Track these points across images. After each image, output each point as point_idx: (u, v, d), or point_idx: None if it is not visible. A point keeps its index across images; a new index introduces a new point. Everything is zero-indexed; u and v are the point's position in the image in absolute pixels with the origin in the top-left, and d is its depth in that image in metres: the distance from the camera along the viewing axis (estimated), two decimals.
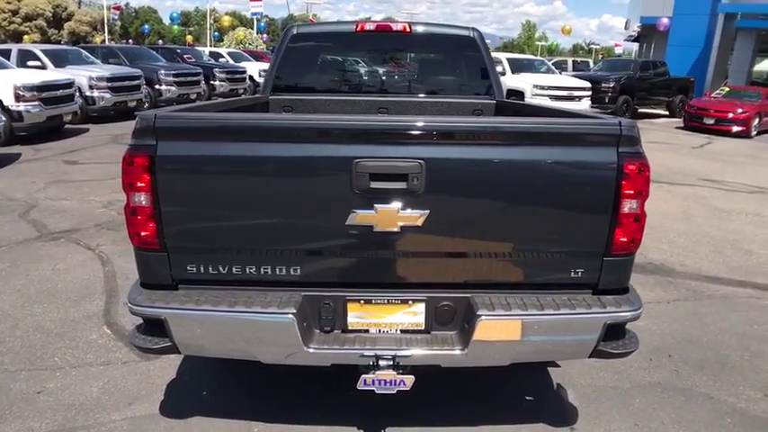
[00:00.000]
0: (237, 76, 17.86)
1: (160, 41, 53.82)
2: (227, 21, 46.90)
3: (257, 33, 40.14)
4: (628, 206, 2.08)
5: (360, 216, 2.01)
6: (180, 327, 2.07)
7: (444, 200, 2.03)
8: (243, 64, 19.80)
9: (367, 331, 2.22)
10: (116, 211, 5.61)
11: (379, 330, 2.22)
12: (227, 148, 2.02)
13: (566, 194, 2.09)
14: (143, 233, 2.05)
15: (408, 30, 4.01)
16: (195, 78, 15.20)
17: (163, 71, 14.41)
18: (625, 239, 2.13)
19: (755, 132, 15.05)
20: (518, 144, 2.07)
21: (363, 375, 2.11)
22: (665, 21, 25.86)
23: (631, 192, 2.06)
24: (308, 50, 4.10)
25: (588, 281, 2.20)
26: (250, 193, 2.06)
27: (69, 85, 10.43)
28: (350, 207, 2.00)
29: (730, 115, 14.92)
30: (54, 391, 2.78)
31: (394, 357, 2.11)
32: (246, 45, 34.31)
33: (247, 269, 2.12)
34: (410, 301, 2.19)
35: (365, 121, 2.26)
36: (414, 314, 2.21)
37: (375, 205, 1.99)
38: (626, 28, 38.42)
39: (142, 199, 2.01)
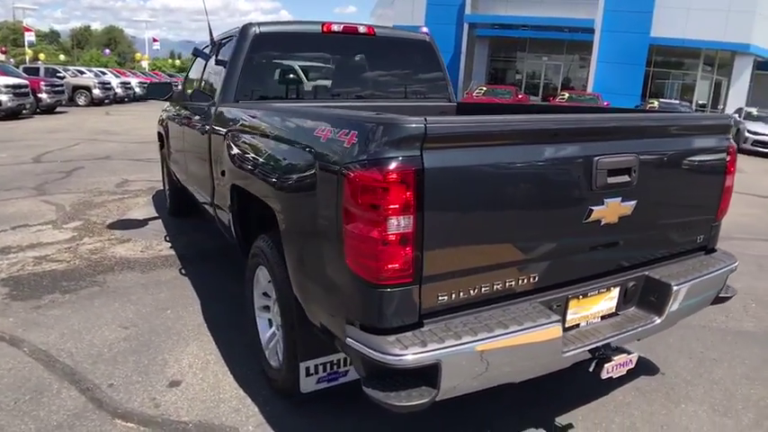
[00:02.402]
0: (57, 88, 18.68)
1: None
2: None
3: None
4: (729, 180, 2.52)
5: (596, 212, 2.03)
6: (452, 367, 1.73)
7: (645, 189, 2.17)
8: None
9: (578, 325, 2.21)
10: None
11: (587, 322, 2.24)
12: (490, 155, 1.80)
13: (703, 174, 2.48)
14: (395, 265, 1.66)
15: (373, 32, 3.93)
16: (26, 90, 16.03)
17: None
18: (725, 207, 2.58)
19: None
20: (685, 135, 2.39)
21: (606, 365, 2.14)
22: (425, 30, 29.21)
23: (732, 169, 2.52)
24: (273, 53, 3.68)
25: (703, 244, 2.62)
26: (507, 201, 1.88)
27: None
28: (588, 204, 2.01)
29: None
30: None
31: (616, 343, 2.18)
32: None
33: (494, 285, 1.91)
34: (611, 288, 2.26)
35: (604, 119, 2.27)
36: (611, 299, 2.29)
37: (605, 200, 2.04)
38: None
39: (402, 223, 1.64)
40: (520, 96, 23.67)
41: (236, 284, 4.05)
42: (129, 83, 25.61)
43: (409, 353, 1.64)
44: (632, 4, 25.03)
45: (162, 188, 7.15)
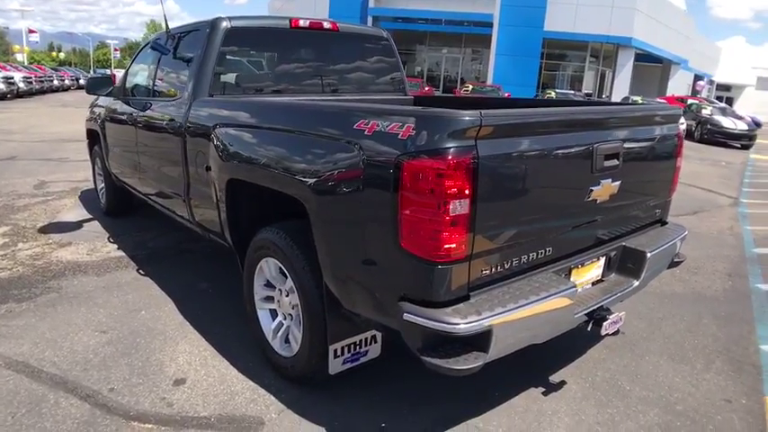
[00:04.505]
0: None
1: None
2: None
3: None
4: (679, 162, 2.94)
5: (594, 192, 2.32)
6: (501, 332, 1.91)
7: (626, 170, 2.48)
8: None
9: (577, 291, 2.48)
10: None
11: (582, 288, 2.51)
12: (525, 144, 2.01)
13: (663, 157, 2.85)
14: (452, 245, 1.82)
15: (337, 28, 4.00)
16: None
17: None
18: (675, 185, 3.01)
19: None
20: (652, 124, 2.74)
21: (604, 323, 2.41)
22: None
23: (681, 152, 2.96)
24: (245, 47, 3.63)
25: (660, 217, 3.03)
26: (536, 184, 2.09)
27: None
28: (589, 185, 2.29)
29: None
30: None
31: (606, 305, 2.47)
32: None
33: (521, 259, 2.13)
34: (599, 257, 2.56)
35: (604, 111, 2.54)
36: (599, 268, 2.59)
37: (601, 181, 2.33)
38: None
39: (460, 206, 1.80)
40: (426, 89, 24.39)
41: (203, 280, 3.99)
42: (13, 78, 23.12)
43: (469, 321, 1.81)
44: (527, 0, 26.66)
45: (88, 188, 6.74)
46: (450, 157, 1.76)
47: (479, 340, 1.88)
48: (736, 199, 8.70)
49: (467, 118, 1.78)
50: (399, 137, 1.86)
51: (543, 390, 2.74)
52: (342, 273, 2.17)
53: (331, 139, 2.18)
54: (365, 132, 2.00)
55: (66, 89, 32.27)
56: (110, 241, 4.86)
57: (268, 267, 2.66)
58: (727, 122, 17.71)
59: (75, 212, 5.76)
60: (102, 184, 5.66)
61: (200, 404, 2.49)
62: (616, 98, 25.84)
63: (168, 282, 3.94)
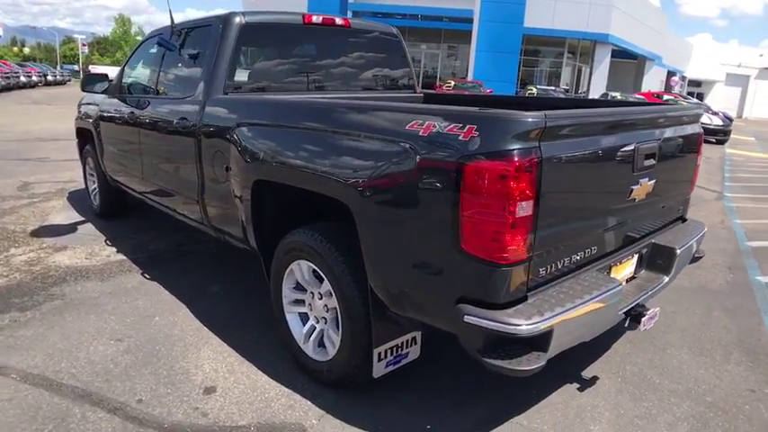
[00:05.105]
0: None
1: None
2: None
3: None
4: (699, 159, 2.98)
5: (635, 191, 2.33)
6: (560, 331, 1.90)
7: (659, 169, 2.49)
8: None
9: None
10: None
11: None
12: (582, 144, 2.00)
13: (687, 155, 2.89)
14: (515, 246, 1.80)
15: (349, 24, 3.94)
16: None
17: None
18: (695, 182, 3.08)
19: None
20: (680, 124, 2.75)
21: (642, 319, 2.40)
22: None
23: (701, 150, 3.01)
24: (260, 43, 3.54)
25: (681, 214, 3.07)
26: (588, 184, 2.10)
27: None
28: (630, 184, 2.30)
29: None
30: None
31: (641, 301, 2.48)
32: None
33: (572, 258, 2.12)
34: (633, 255, 2.57)
35: (648, 111, 2.57)
36: (632, 265, 2.60)
37: (640, 180, 2.35)
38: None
39: (524, 208, 1.77)
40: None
41: (212, 283, 3.89)
42: None
43: (532, 322, 1.80)
44: None
45: (76, 189, 6.54)
46: (515, 159, 1.73)
47: (540, 340, 1.87)
48: (720, 193, 8.90)
49: (531, 119, 1.76)
50: (461, 138, 1.82)
51: (578, 386, 2.74)
52: (391, 275, 2.12)
53: (380, 139, 2.11)
54: (419, 133, 1.94)
55: (34, 86, 31.30)
56: (107, 244, 4.70)
57: (300, 270, 2.59)
58: (703, 118, 18.10)
59: (66, 214, 5.57)
60: (95, 185, 5.48)
61: (236, 413, 2.41)
62: (594, 94, 26.22)
63: (176, 285, 3.83)
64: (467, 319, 1.82)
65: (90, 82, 4.52)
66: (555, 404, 2.58)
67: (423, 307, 2.09)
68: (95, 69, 16.96)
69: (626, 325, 2.46)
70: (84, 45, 67.39)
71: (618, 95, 18.99)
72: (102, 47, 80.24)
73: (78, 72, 63.56)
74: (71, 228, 5.14)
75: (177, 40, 3.68)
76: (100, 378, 2.66)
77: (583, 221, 2.15)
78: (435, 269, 1.96)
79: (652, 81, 36.10)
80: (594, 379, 2.81)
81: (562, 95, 22.19)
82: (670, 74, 40.27)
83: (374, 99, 3.73)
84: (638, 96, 20.49)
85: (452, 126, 1.86)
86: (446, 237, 1.85)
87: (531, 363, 1.86)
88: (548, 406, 2.56)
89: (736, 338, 3.44)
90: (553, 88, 25.70)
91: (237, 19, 3.25)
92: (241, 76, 3.41)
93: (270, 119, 2.76)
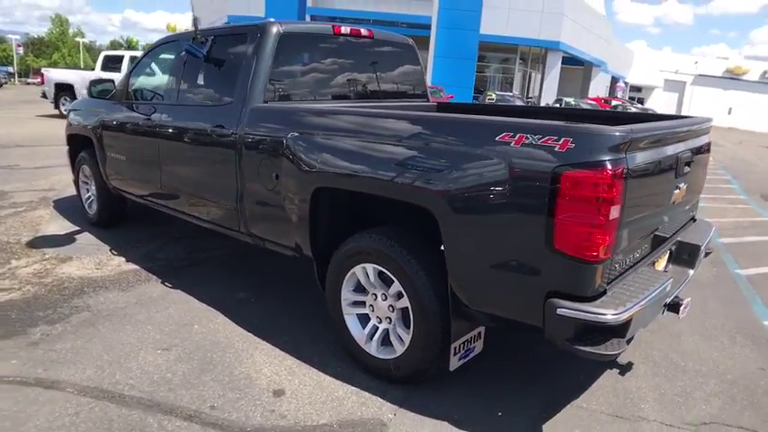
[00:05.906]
0: None
1: None
2: None
3: None
4: (709, 164, 3.28)
5: (675, 195, 2.61)
6: (637, 319, 2.11)
7: (690, 175, 2.76)
8: None
9: None
10: None
11: None
12: (653, 154, 2.26)
13: (704, 161, 3.17)
14: (604, 245, 2.00)
15: (372, 35, 4.06)
16: None
17: None
18: (703, 185, 3.36)
19: None
20: (702, 134, 3.03)
21: (680, 308, 2.63)
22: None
23: (710, 156, 3.30)
24: (297, 53, 3.60)
25: (695, 214, 3.38)
26: (652, 188, 2.36)
27: None
28: (673, 188, 2.57)
29: None
30: None
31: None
32: None
33: (634, 255, 2.37)
34: (666, 251, 2.83)
35: (690, 123, 2.80)
36: (664, 260, 2.86)
37: (679, 185, 2.62)
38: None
39: (614, 211, 1.98)
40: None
41: (237, 290, 3.92)
42: None
43: (618, 312, 2.01)
44: (464, 3, 27.49)
45: (59, 197, 6.33)
46: (609, 169, 1.94)
47: (621, 328, 2.08)
48: None
49: (618, 134, 1.97)
50: (557, 149, 1.99)
51: (618, 371, 2.99)
52: (476, 275, 2.26)
53: (469, 149, 2.24)
54: (511, 144, 2.10)
55: None
56: (113, 254, 4.61)
57: (364, 273, 2.68)
58: None
59: (59, 224, 5.39)
60: (89, 193, 5.34)
61: (313, 413, 2.48)
62: (546, 99, 27.29)
63: (202, 294, 3.82)
64: (560, 311, 1.99)
65: (97, 88, 4.42)
66: (604, 387, 2.81)
67: (505, 303, 2.25)
68: (49, 73, 16.22)
69: (662, 313, 2.69)
70: (18, 46, 64.00)
71: (572, 101, 19.83)
72: (37, 48, 76.32)
73: (14, 74, 60.19)
74: (69, 238, 4.99)
75: (203, 48, 3.69)
76: (162, 388, 2.66)
77: (643, 222, 2.37)
78: (525, 268, 2.12)
79: (598, 87, 37.83)
80: (630, 364, 3.06)
81: (520, 102, 22.92)
82: (614, 79, 42.31)
83: (394, 108, 3.85)
84: (589, 102, 21.47)
85: (547, 138, 2.03)
86: (539, 238, 2.02)
87: (615, 348, 2.07)
88: (598, 389, 2.79)
89: (735, 325, 3.78)
90: (511, 94, 26.51)
91: (275, 28, 3.31)
92: (281, 84, 3.46)
93: (332, 127, 2.82)
